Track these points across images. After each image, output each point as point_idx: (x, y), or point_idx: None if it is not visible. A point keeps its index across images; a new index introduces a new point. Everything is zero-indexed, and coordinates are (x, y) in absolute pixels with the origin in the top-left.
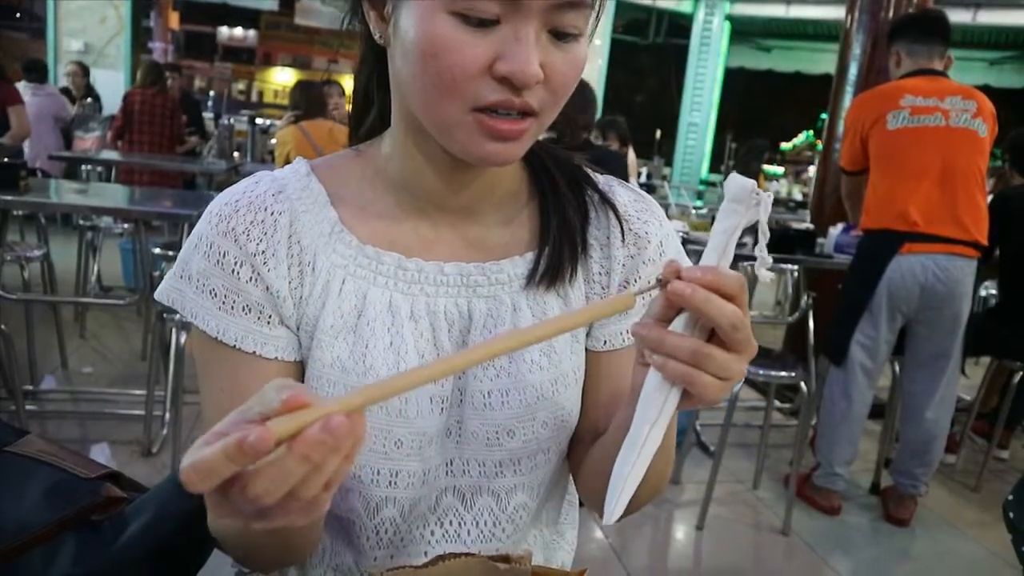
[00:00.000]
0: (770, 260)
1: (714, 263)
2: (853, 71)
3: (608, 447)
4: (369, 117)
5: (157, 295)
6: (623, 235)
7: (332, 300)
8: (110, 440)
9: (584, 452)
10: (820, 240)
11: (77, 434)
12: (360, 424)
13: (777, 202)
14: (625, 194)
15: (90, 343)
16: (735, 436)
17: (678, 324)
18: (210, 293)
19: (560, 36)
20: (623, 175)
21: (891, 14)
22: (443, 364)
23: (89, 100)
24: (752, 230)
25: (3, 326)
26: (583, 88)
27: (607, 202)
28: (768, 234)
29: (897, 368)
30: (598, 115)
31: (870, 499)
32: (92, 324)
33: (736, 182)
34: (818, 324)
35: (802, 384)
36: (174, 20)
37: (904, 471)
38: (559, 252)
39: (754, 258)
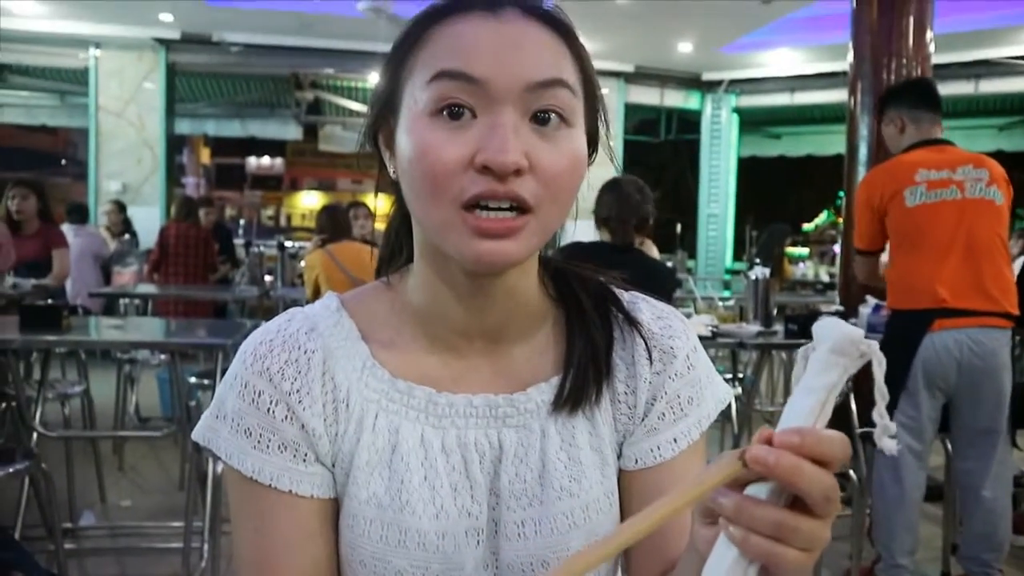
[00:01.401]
0: (893, 427)
1: (808, 424)
2: (863, 151)
3: None
4: (401, 258)
5: (194, 436)
6: (648, 354)
7: (366, 435)
8: (149, 575)
9: None
10: (852, 321)
11: (116, 571)
12: None
13: (804, 284)
14: (649, 311)
15: (128, 475)
16: None
17: (760, 489)
18: (245, 433)
19: (542, 122)
20: (673, 288)
21: None
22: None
23: (127, 236)
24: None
25: (44, 465)
26: (636, 184)
27: (632, 321)
28: (887, 395)
29: (949, 446)
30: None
31: None
32: (130, 456)
33: (837, 330)
34: (860, 407)
35: (851, 471)
36: (205, 155)
37: (973, 557)
38: (583, 376)
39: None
